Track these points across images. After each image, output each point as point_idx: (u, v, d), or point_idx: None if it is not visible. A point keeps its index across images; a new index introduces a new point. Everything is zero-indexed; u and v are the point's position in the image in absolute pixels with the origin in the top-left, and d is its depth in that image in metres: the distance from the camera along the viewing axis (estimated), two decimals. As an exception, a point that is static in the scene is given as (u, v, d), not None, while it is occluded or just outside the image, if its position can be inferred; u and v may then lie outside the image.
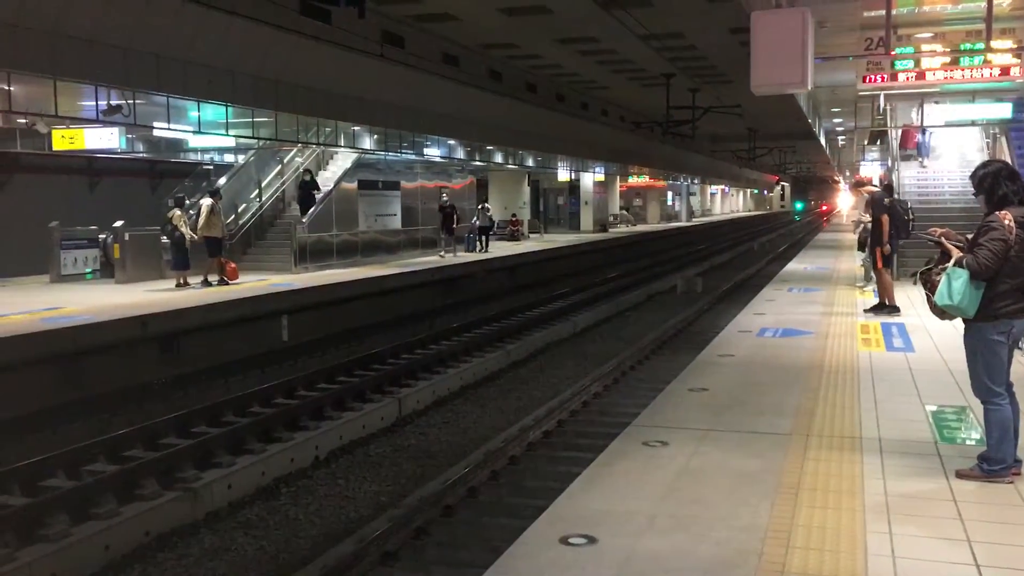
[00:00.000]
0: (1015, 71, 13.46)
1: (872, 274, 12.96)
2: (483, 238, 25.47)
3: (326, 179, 21.28)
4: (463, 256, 23.41)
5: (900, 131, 21.69)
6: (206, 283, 15.59)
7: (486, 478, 7.96)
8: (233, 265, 16.09)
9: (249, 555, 6.72)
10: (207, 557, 6.66)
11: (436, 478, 7.99)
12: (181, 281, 15.46)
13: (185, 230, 15.38)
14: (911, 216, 11.78)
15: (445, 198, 23.74)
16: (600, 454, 5.65)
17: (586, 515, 4.53)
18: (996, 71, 13.54)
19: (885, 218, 11.18)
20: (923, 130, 21.19)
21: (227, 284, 15.60)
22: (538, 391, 11.86)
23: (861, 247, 14.63)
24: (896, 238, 11.57)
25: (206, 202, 15.90)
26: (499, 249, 25.87)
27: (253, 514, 7.52)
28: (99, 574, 6.30)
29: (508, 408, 11.01)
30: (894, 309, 11.28)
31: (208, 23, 14.27)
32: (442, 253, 23.27)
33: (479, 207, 26.14)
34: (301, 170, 20.28)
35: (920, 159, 21.52)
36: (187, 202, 16.86)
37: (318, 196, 19.48)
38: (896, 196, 12.87)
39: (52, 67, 12.32)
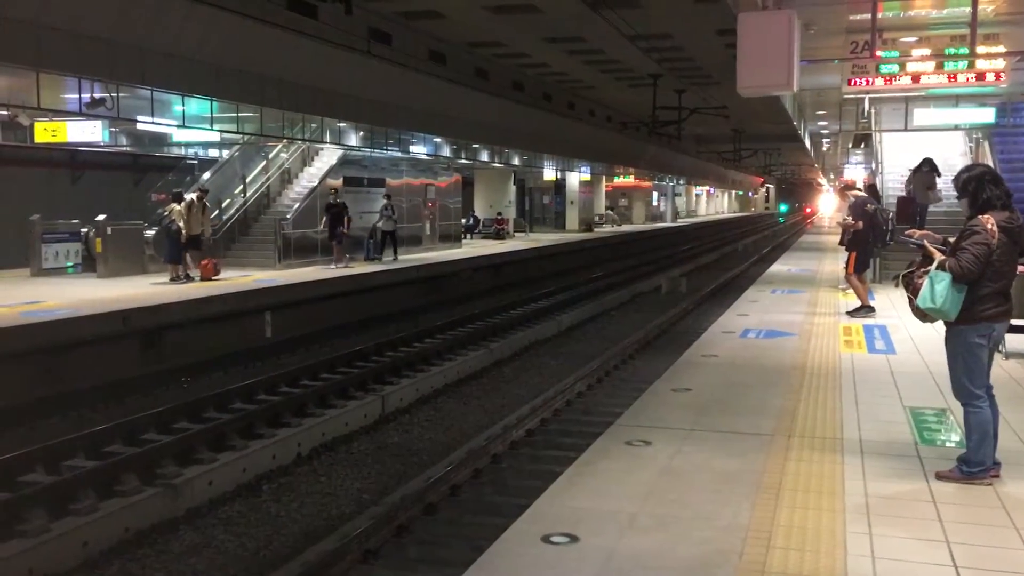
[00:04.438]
0: (996, 76, 13.58)
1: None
2: (393, 244, 21.04)
3: (311, 175, 21.20)
4: (358, 267, 19.05)
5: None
6: (188, 278, 15.64)
7: (469, 476, 7.95)
8: (205, 262, 15.94)
9: (230, 552, 6.68)
10: (187, 554, 6.62)
11: (418, 476, 7.97)
12: (175, 274, 15.66)
13: (181, 224, 15.60)
14: (889, 227, 12.05)
15: (332, 196, 19.30)
16: (583, 453, 5.65)
17: (568, 514, 4.52)
18: (980, 76, 13.67)
19: (860, 224, 11.50)
20: (917, 205, 15.01)
21: (191, 281, 15.57)
22: (521, 390, 11.85)
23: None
24: (872, 243, 11.94)
25: (187, 198, 16.04)
26: (477, 248, 25.60)
27: (234, 511, 7.48)
28: (78, 570, 6.25)
29: (491, 406, 10.99)
30: (869, 310, 11.43)
31: (193, 16, 14.18)
32: (334, 265, 18.94)
33: (382, 206, 20.90)
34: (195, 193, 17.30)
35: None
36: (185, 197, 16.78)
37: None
38: (879, 204, 13.10)
39: (35, 59, 12.20)
